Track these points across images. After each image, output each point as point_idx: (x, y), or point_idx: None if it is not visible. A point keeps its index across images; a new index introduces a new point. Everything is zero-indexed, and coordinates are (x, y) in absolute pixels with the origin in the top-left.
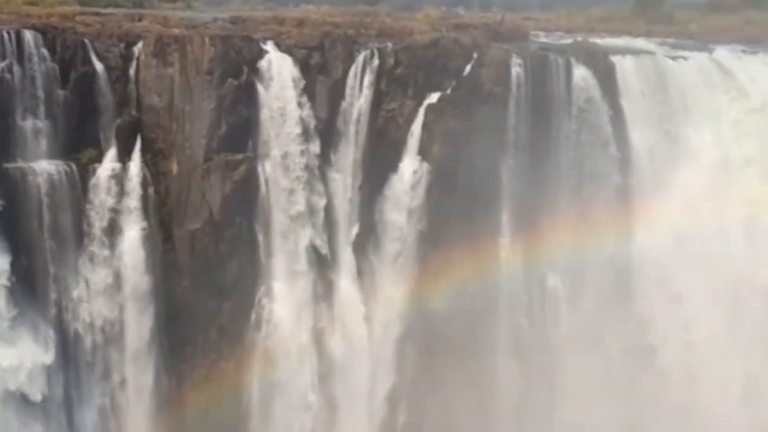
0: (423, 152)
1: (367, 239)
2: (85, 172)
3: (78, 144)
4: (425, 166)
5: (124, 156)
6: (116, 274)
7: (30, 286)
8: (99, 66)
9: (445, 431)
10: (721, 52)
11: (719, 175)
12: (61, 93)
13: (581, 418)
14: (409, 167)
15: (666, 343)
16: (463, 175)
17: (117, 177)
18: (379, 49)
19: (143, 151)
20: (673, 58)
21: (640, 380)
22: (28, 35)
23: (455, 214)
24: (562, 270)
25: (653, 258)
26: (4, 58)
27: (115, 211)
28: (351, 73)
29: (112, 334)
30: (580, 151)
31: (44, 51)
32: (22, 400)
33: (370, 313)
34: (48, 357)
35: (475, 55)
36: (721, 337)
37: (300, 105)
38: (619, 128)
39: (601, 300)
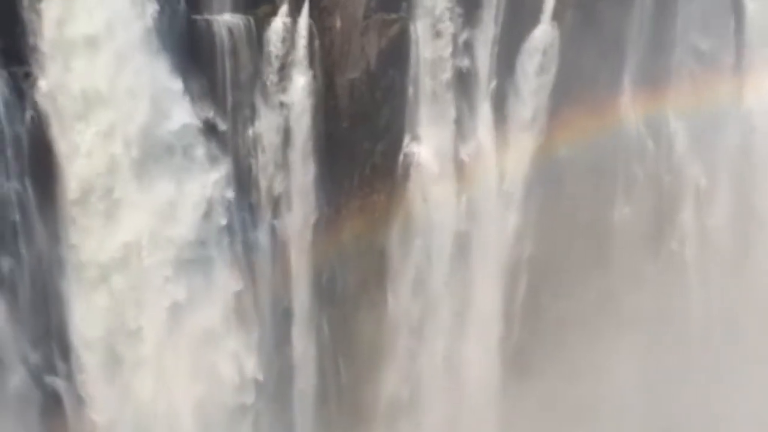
0: (557, 17)
1: (503, 94)
2: (261, 25)
3: (255, 0)
4: (558, 30)
5: (294, 12)
6: (286, 116)
7: (211, 124)
8: None
9: (564, 264)
10: None
11: None
12: None
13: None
14: (544, 31)
15: None
16: (590, 40)
17: (288, 30)
18: None
19: (311, 8)
20: None
21: None
22: None
23: (582, 75)
24: (679, 124)
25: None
26: None
27: (286, 61)
28: None
29: (282, 168)
30: (698, 20)
31: None
32: None
33: (503, 158)
34: (230, 189)
35: None
36: None
37: None
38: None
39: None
